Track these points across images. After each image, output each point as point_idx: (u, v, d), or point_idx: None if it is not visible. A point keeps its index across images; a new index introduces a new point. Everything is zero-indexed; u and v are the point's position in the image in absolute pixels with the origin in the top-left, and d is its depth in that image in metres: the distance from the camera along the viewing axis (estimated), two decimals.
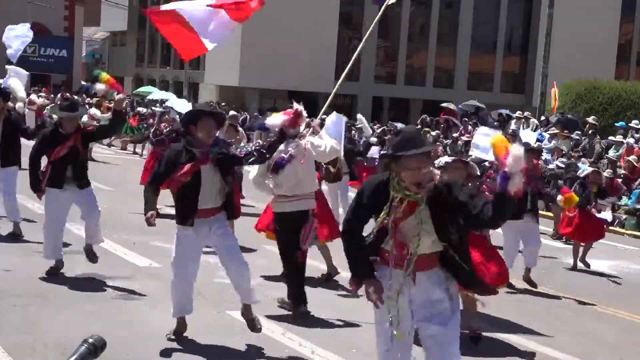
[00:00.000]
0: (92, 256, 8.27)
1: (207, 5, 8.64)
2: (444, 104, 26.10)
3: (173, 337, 6.44)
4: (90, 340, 2.26)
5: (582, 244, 11.68)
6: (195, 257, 6.47)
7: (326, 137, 7.91)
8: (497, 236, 9.25)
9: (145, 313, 7.19)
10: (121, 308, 7.24)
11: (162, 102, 33.05)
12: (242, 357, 6.25)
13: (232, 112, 17.17)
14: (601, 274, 11.56)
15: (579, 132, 21.36)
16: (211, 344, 6.45)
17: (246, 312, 6.55)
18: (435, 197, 4.32)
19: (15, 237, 9.66)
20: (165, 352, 6.17)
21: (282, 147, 7.29)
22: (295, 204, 7.57)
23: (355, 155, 14.56)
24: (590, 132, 20.86)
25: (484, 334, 7.29)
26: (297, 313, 7.44)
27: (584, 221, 11.57)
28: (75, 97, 28.60)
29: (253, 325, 6.51)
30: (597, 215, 11.91)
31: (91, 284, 7.96)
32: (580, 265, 11.58)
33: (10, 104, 10.37)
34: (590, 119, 22.00)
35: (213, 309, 7.49)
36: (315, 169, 8.34)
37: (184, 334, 6.51)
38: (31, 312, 6.85)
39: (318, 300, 8.07)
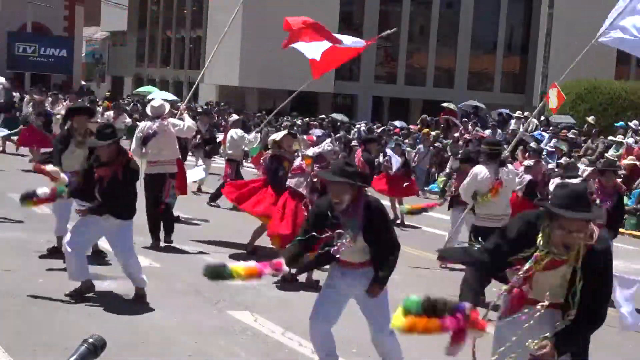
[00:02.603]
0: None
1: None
2: (444, 104, 26.16)
3: None
4: (91, 340, 2.26)
5: None
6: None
7: (187, 118, 10.73)
8: None
9: (145, 313, 7.19)
10: (121, 308, 7.24)
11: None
12: (242, 357, 6.25)
13: (234, 116, 16.27)
14: None
15: (575, 132, 21.40)
16: (211, 344, 6.46)
17: None
18: (589, 262, 3.98)
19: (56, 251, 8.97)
20: (165, 352, 6.18)
21: (149, 124, 10.07)
22: (158, 168, 10.02)
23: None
24: (593, 131, 20.98)
25: None
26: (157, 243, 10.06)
27: None
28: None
29: None
30: None
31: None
32: None
33: None
34: (590, 119, 22.04)
35: (213, 309, 7.49)
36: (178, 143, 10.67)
37: (181, 335, 6.51)
38: (31, 313, 6.86)
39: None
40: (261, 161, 10.64)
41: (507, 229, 4.16)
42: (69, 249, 7.28)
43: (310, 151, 9.27)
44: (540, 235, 4.00)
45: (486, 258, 4.15)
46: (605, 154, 18.73)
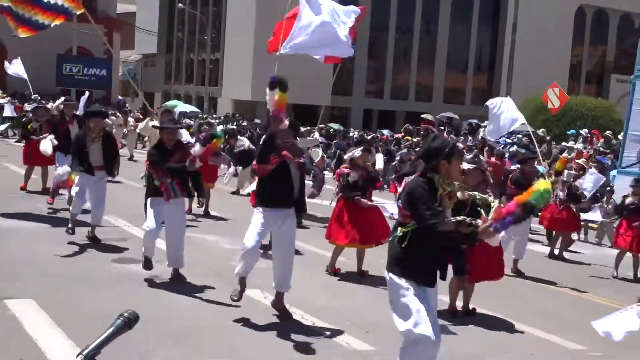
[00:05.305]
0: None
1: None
2: (423, 115, 26.09)
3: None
4: (126, 314, 2.24)
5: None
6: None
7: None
8: None
9: (169, 292, 7.17)
10: (148, 288, 7.22)
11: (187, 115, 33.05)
12: (252, 327, 6.24)
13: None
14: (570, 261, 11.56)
15: (527, 140, 21.45)
16: (227, 317, 6.44)
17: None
18: None
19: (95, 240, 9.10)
20: (188, 327, 6.15)
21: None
22: None
23: None
24: (548, 138, 21.11)
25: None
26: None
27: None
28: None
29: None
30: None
31: (122, 267, 7.94)
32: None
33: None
34: (540, 132, 22.16)
35: (229, 289, 7.45)
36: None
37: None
38: (74, 291, 6.84)
39: (320, 282, 8.11)
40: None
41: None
42: (148, 229, 7.30)
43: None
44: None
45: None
46: (559, 157, 18.75)
